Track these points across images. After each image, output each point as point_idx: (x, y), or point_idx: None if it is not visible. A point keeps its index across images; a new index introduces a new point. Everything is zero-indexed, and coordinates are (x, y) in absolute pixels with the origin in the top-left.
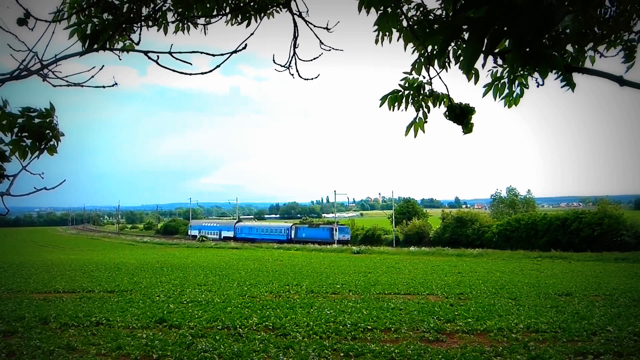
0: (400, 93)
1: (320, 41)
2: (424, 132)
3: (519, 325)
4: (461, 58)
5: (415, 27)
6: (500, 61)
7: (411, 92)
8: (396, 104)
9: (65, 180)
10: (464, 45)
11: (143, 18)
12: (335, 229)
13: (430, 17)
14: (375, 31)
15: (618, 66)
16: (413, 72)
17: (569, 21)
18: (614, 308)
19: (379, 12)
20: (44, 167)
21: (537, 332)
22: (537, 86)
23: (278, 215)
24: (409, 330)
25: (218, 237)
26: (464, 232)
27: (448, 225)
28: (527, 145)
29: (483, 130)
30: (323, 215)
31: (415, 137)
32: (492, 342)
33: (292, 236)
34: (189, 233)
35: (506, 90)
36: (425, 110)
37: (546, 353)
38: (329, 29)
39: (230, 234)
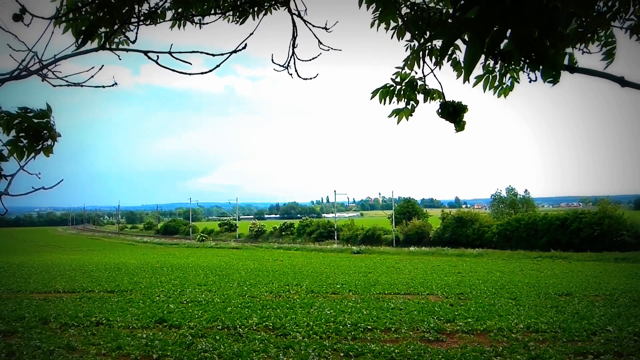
0: (392, 88)
1: (319, 41)
2: (407, 120)
3: (519, 325)
4: (453, 56)
5: (409, 24)
6: (491, 60)
7: (403, 86)
8: (387, 97)
9: (63, 179)
10: (465, 48)
11: (142, 17)
12: None
13: (424, 14)
14: (373, 19)
15: (599, 63)
16: (405, 68)
17: (574, 24)
18: (614, 308)
19: (380, 6)
20: (42, 167)
21: (537, 332)
22: (530, 82)
23: (278, 216)
24: (409, 330)
25: None
26: (464, 232)
27: (448, 225)
28: (527, 145)
29: (483, 131)
30: (323, 215)
31: (398, 123)
32: (492, 342)
33: None
34: None
35: (496, 83)
36: (414, 103)
37: (546, 353)
38: (328, 29)
39: None
